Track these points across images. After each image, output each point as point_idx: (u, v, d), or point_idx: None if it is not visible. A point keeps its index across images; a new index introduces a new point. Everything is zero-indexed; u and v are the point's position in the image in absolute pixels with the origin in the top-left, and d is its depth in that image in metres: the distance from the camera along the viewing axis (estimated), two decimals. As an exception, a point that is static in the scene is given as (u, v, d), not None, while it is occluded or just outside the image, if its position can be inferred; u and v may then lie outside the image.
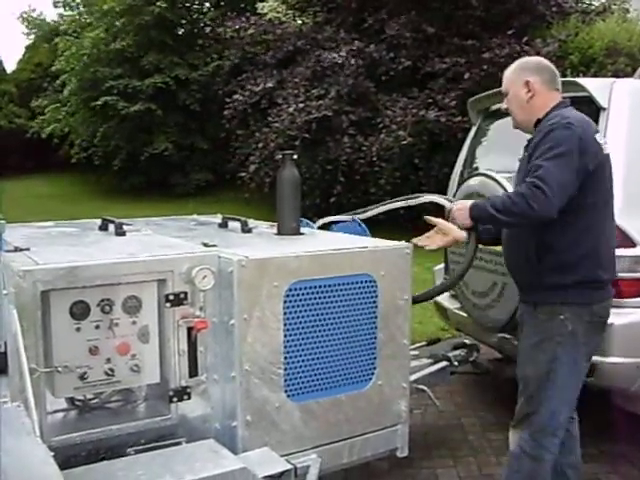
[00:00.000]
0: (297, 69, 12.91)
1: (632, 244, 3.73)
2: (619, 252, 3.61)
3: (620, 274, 3.63)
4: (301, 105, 11.90)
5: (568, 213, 2.80)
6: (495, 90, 5.22)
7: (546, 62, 3.14)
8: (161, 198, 15.38)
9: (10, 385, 2.35)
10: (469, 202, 3.03)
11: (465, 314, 4.60)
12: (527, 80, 3.02)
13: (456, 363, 4.29)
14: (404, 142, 10.70)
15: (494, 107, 5.14)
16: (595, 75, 10.49)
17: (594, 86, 4.08)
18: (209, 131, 16.42)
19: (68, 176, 18.92)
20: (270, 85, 13.14)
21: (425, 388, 3.82)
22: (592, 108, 4.00)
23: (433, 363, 4.18)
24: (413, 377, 3.59)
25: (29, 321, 2.28)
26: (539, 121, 3.01)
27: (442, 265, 5.22)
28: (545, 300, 2.94)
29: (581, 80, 4.23)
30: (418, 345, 4.47)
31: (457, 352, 4.42)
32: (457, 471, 3.98)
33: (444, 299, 5.13)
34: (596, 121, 3.96)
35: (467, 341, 4.67)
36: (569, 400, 2.99)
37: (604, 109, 3.97)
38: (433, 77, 11.73)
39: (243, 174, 12.87)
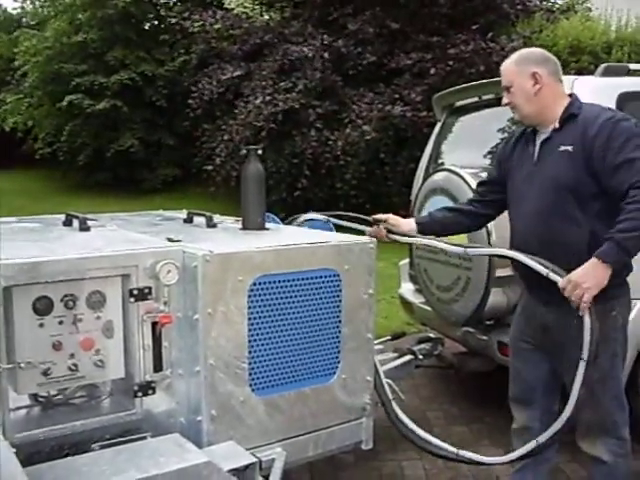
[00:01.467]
0: (264, 62, 12.91)
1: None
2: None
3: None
4: (268, 97, 11.91)
5: (614, 202, 2.74)
6: (459, 87, 5.31)
7: (548, 53, 3.08)
8: (128, 194, 15.27)
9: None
10: (589, 263, 2.69)
11: (430, 308, 4.64)
12: (534, 72, 2.95)
13: (421, 357, 4.35)
14: (368, 137, 10.75)
15: (459, 103, 5.21)
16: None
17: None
18: (176, 127, 16.32)
19: (32, 172, 18.67)
20: (238, 74, 13.12)
21: (390, 382, 3.84)
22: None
23: (398, 357, 4.23)
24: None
25: (-10, 317, 2.26)
26: (573, 116, 2.92)
27: (407, 260, 5.27)
28: (598, 299, 2.72)
29: (542, 77, 4.29)
30: (383, 339, 4.52)
31: (422, 346, 4.47)
32: (422, 463, 4.03)
33: (409, 294, 5.19)
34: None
35: (432, 335, 4.73)
36: (623, 391, 3.02)
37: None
38: (399, 73, 11.80)
39: (209, 167, 12.84)
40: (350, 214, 3.71)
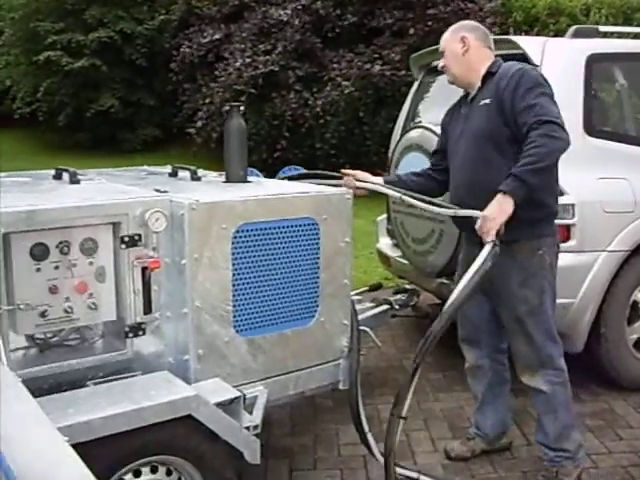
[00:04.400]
0: (244, 24, 12.88)
1: (560, 193, 3.98)
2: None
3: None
4: (248, 60, 11.93)
5: None
6: (436, 47, 5.40)
7: (480, 25, 3.40)
8: (108, 154, 15.23)
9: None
10: (495, 199, 2.94)
11: (406, 261, 4.83)
12: (463, 36, 3.27)
13: (397, 307, 4.52)
14: (347, 92, 10.84)
15: (435, 63, 5.33)
16: (538, 34, 10.74)
17: (528, 44, 4.30)
18: (156, 87, 16.20)
19: (10, 132, 18.52)
20: (217, 37, 13.10)
21: (367, 329, 4.02)
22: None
23: (375, 307, 4.41)
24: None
25: (-8, 261, 2.41)
26: (491, 74, 3.19)
27: (385, 215, 5.44)
28: (522, 236, 3.10)
29: (515, 38, 4.44)
30: (361, 290, 4.70)
31: (398, 297, 4.65)
32: (398, 407, 4.24)
33: (387, 248, 5.37)
34: (529, 77, 4.20)
35: (408, 287, 4.91)
36: (554, 326, 3.28)
37: (537, 66, 4.17)
38: (379, 33, 11.84)
39: (190, 130, 12.88)
40: (320, 172, 3.82)
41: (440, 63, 3.41)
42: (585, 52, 4.24)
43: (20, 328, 2.54)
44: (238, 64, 11.94)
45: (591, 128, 4.16)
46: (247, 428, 2.67)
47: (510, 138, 3.08)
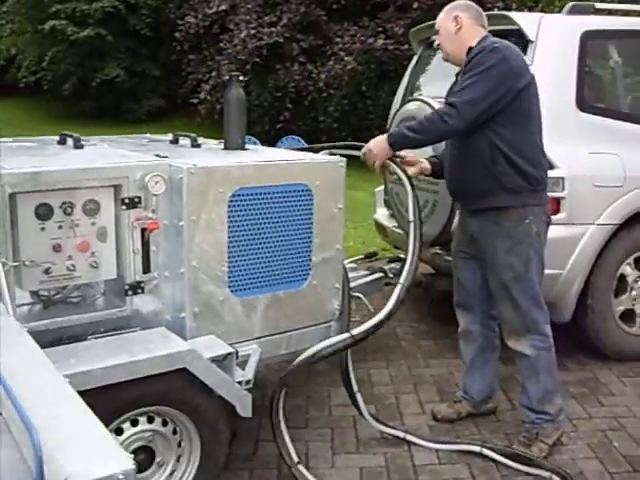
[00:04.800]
0: (249, -4, 12.90)
1: (551, 166, 4.07)
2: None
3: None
4: (253, 31, 11.97)
5: (520, 119, 3.22)
6: (435, 21, 5.49)
7: (473, 4, 3.50)
8: (113, 124, 15.29)
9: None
10: (380, 136, 3.38)
11: (401, 231, 4.94)
12: (456, 15, 3.38)
13: (391, 275, 4.64)
14: (349, 67, 10.89)
15: (434, 37, 5.40)
16: (542, 10, 10.74)
17: (524, 20, 4.37)
18: (161, 57, 16.25)
19: (16, 101, 18.57)
20: (223, 8, 13.11)
21: (360, 295, 4.15)
22: (521, 41, 4.30)
23: (369, 274, 4.54)
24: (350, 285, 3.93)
25: (-1, 220, 2.53)
26: (470, 50, 3.32)
27: (382, 187, 5.54)
28: (508, 204, 3.26)
29: (512, 14, 4.50)
30: (356, 258, 4.83)
31: (392, 265, 4.77)
32: (389, 371, 4.38)
33: (383, 218, 5.47)
34: (524, 52, 4.26)
35: (402, 256, 5.02)
36: (540, 293, 3.41)
37: (532, 42, 4.26)
38: (383, 7, 11.85)
39: (195, 100, 12.94)
40: (342, 143, 3.97)
41: (436, 41, 3.53)
42: (580, 29, 4.31)
43: (25, 284, 2.66)
44: (243, 35, 11.98)
45: (584, 104, 4.24)
46: (239, 383, 2.81)
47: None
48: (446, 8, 3.48)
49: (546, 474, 3.16)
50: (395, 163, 3.48)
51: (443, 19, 3.45)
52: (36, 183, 2.60)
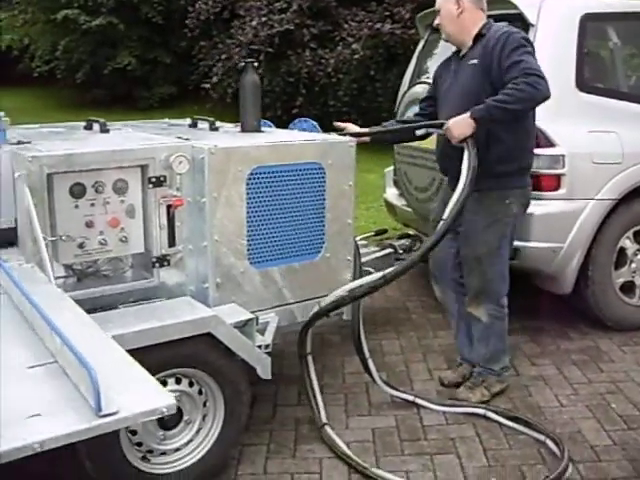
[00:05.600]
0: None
1: (552, 145, 4.27)
2: (541, 151, 4.22)
3: (541, 170, 4.24)
4: (264, 19, 12.13)
5: None
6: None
7: None
8: (125, 111, 15.48)
9: (23, 253, 2.85)
10: (461, 116, 3.34)
11: (410, 209, 5.15)
12: None
13: (400, 251, 4.84)
14: (356, 56, 11.05)
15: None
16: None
17: (524, 4, 4.52)
18: (172, 44, 16.44)
19: (29, 90, 18.81)
20: (233, -6, 13.29)
21: (371, 270, 4.36)
22: (522, 24, 4.47)
23: (380, 250, 4.74)
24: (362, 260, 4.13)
25: (37, 199, 2.73)
26: (481, 36, 3.51)
27: (391, 167, 5.74)
28: (494, 187, 3.50)
29: (512, -2, 4.68)
30: (367, 235, 5.04)
31: (402, 242, 4.97)
32: (399, 342, 4.60)
33: (393, 197, 5.68)
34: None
35: (411, 233, 5.24)
36: (507, 267, 3.67)
37: (532, 25, 4.43)
38: (390, -9, 11.98)
39: (206, 86, 13.13)
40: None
41: (435, 21, 3.72)
42: (579, 11, 4.48)
43: (61, 258, 2.88)
44: (254, 23, 12.14)
45: (583, 84, 4.43)
46: (259, 347, 3.04)
47: (491, 95, 3.37)
48: None
49: (541, 437, 3.37)
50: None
51: (445, 0, 3.61)
52: (71, 164, 2.82)
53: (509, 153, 3.48)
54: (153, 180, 3.00)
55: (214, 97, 13.03)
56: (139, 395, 1.66)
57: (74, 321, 2.07)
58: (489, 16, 4.31)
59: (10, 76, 19.38)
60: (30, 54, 18.12)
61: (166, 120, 4.60)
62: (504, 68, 3.33)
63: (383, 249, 4.72)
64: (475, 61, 3.49)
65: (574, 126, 4.33)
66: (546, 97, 3.32)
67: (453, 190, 3.49)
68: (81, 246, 2.90)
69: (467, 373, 3.95)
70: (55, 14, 15.98)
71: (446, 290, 3.96)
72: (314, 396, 3.56)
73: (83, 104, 16.74)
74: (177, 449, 2.97)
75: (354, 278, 3.61)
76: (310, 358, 3.61)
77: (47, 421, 1.56)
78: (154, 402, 1.62)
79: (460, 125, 3.35)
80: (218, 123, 3.94)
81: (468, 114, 3.32)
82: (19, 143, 3.08)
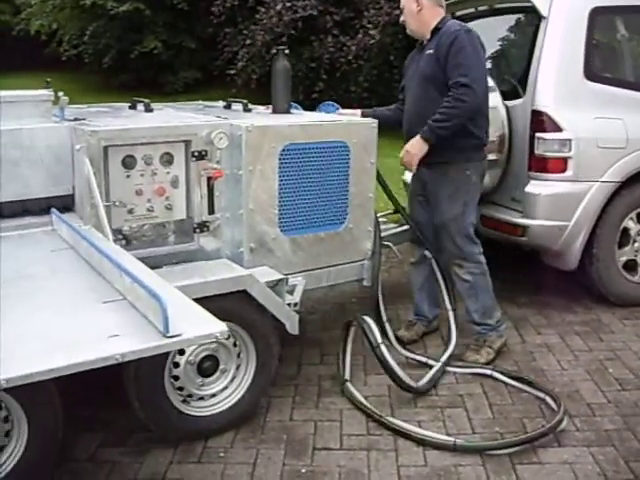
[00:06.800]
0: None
1: (559, 129, 4.58)
2: (549, 136, 4.55)
3: (548, 154, 4.57)
4: (288, 4, 12.43)
5: None
6: (455, -1, 5.96)
7: None
8: (151, 96, 15.58)
9: (82, 217, 3.20)
10: (415, 138, 3.85)
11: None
12: None
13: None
14: (372, 42, 11.34)
15: (458, 13, 5.82)
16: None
17: (537, -2, 4.84)
18: (197, 30, 16.73)
19: (56, 74, 19.14)
20: (258, -19, 13.55)
21: (390, 244, 4.67)
22: (535, 16, 4.79)
23: (398, 226, 5.06)
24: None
25: (95, 168, 3.08)
26: (437, 29, 3.91)
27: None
28: (455, 159, 3.92)
29: (525, -8, 4.97)
30: (386, 212, 5.36)
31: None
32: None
33: (409, 177, 5.98)
34: (537, 27, 4.77)
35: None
36: (472, 225, 4.08)
37: (544, 17, 4.72)
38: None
39: (231, 71, 13.45)
40: None
41: (401, 18, 4.13)
42: (589, 5, 4.75)
43: (114, 222, 3.22)
44: (279, 7, 12.44)
45: (591, 74, 4.71)
46: (289, 305, 3.39)
47: (446, 82, 3.80)
48: None
49: (541, 394, 3.71)
50: None
51: (407, 0, 4.02)
52: (124, 138, 3.17)
53: (465, 129, 3.86)
54: (196, 154, 3.35)
55: (239, 83, 13.34)
56: (197, 323, 2.01)
57: (137, 267, 2.42)
58: (504, 9, 4.68)
59: (38, 60, 19.76)
60: (58, 39, 18.47)
61: (201, 102, 4.94)
62: (448, 66, 3.77)
63: (401, 225, 5.04)
64: (431, 51, 3.90)
65: (581, 113, 4.62)
66: (477, 105, 3.78)
67: (424, 164, 3.94)
68: (131, 212, 3.26)
69: (420, 332, 4.42)
70: (84, 0, 16.31)
71: (423, 253, 4.36)
72: (344, 357, 3.95)
73: (110, 88, 17.07)
74: (213, 395, 3.32)
75: (374, 248, 3.94)
76: (354, 328, 4.00)
77: (125, 340, 1.92)
78: (210, 328, 1.97)
79: (416, 147, 3.85)
80: (250, 105, 4.28)
81: (419, 136, 3.82)
82: (76, 120, 3.43)
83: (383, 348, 3.67)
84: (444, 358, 4.01)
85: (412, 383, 3.66)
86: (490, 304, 4.18)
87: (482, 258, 4.10)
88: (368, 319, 3.73)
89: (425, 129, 3.80)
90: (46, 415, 2.67)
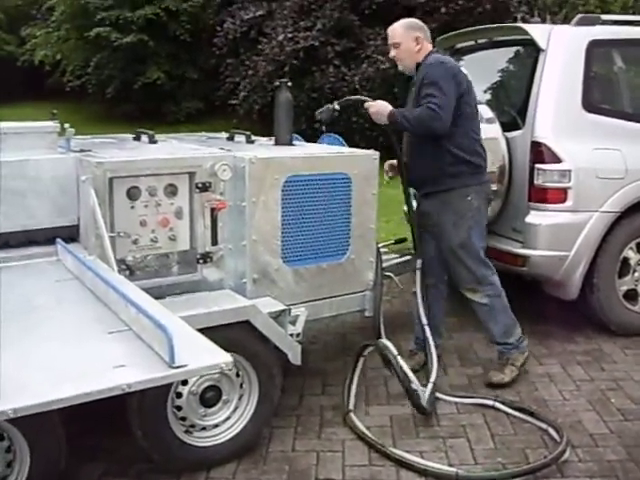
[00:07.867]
0: (285, 2, 13.48)
1: (559, 160, 4.62)
2: (549, 167, 4.60)
3: (548, 184, 4.62)
4: (290, 35, 12.58)
5: (461, 121, 3.90)
6: (461, 30, 6.04)
7: (422, 23, 4.18)
8: (153, 126, 15.72)
9: (86, 247, 3.23)
10: (390, 107, 3.96)
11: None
12: (417, 36, 4.05)
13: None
14: (383, 67, 11.45)
15: (459, 45, 5.93)
16: (566, 16, 11.21)
17: (536, 31, 4.89)
18: (200, 61, 16.92)
19: (60, 104, 19.25)
20: (260, 13, 13.73)
21: (391, 274, 4.70)
22: (534, 49, 4.86)
23: (400, 256, 5.09)
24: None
25: (100, 199, 3.12)
26: (419, 64, 4.01)
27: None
28: (453, 186, 3.98)
29: (525, 26, 5.05)
30: (388, 243, 5.40)
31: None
32: (416, 342, 4.94)
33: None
34: (536, 60, 4.84)
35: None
36: (482, 249, 4.12)
37: (543, 50, 4.80)
38: (411, 11, 12.36)
39: (233, 102, 13.57)
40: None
41: (391, 53, 4.17)
42: (586, 38, 4.83)
43: (118, 252, 3.26)
44: (280, 38, 12.59)
45: (589, 105, 4.77)
46: (291, 335, 3.41)
47: None
48: (404, 26, 4.11)
49: (543, 425, 3.71)
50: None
51: (404, 37, 4.07)
52: (129, 170, 3.22)
53: (458, 158, 3.96)
54: (200, 185, 3.39)
55: (240, 113, 13.46)
56: (202, 353, 2.04)
57: (142, 298, 2.45)
58: (503, 41, 4.77)
59: (40, 91, 19.93)
60: (62, 69, 18.65)
61: (204, 134, 4.99)
62: (421, 96, 3.87)
63: (403, 256, 5.07)
64: (415, 85, 4.02)
65: (580, 144, 4.67)
66: (437, 131, 3.84)
67: (423, 195, 4.15)
68: (135, 242, 3.30)
69: (422, 361, 4.37)
70: (88, 32, 16.51)
71: (435, 284, 4.38)
72: (349, 387, 4.01)
73: (112, 118, 17.20)
74: (216, 425, 3.33)
75: (376, 279, 3.97)
76: (362, 360, 4.14)
77: (131, 370, 1.95)
78: (215, 359, 1.99)
79: (380, 110, 3.96)
80: (253, 137, 4.33)
81: (390, 108, 3.93)
82: (81, 151, 3.48)
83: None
84: (433, 378, 3.99)
85: (426, 405, 3.76)
86: (510, 323, 4.23)
87: (496, 279, 4.15)
88: (386, 342, 3.86)
89: (397, 110, 3.93)
90: (49, 445, 2.69)
